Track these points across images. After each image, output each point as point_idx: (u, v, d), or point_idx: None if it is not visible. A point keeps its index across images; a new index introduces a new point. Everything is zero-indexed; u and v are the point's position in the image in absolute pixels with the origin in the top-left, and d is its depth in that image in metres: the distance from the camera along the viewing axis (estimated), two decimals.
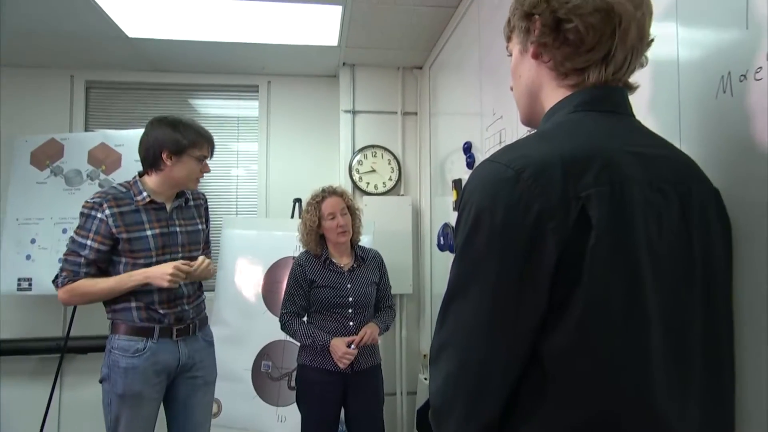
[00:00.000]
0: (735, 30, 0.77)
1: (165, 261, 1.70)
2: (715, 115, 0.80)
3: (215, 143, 1.83)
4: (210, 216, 1.96)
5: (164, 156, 1.67)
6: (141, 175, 1.74)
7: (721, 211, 0.70)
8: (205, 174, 1.80)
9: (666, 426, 0.59)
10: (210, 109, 3.28)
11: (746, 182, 0.73)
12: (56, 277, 1.66)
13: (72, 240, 1.65)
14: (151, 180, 1.72)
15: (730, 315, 0.69)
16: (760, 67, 0.72)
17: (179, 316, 1.72)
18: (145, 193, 1.69)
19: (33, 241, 2.64)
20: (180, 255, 1.74)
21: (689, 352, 0.63)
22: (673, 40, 0.90)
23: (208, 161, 1.80)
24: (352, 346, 1.89)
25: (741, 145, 0.75)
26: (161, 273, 1.61)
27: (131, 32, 2.57)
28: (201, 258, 1.72)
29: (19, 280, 2.62)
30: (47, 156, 2.73)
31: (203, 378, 1.81)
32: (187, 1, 2.25)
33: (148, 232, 1.68)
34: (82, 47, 2.75)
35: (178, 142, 1.67)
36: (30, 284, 2.61)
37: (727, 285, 0.70)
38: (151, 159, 1.69)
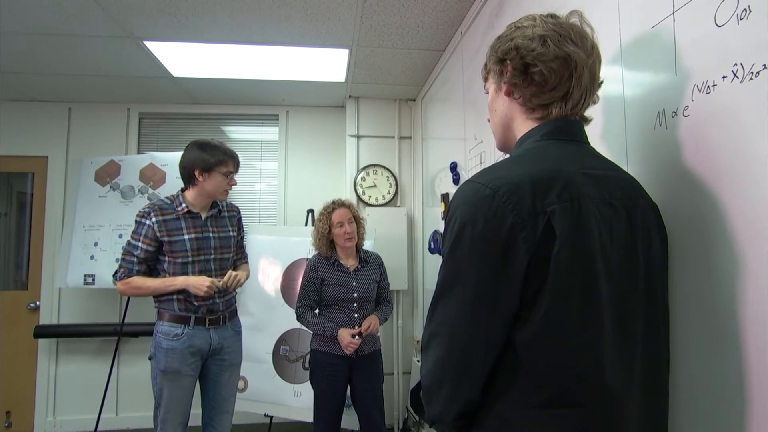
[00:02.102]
0: (667, 75, 0.78)
1: (200, 261, 1.71)
2: (653, 143, 0.81)
3: (242, 162, 1.84)
4: (243, 225, 1.96)
5: (196, 173, 1.70)
6: (183, 190, 1.77)
7: (660, 221, 0.70)
8: (232, 186, 1.79)
9: (615, 397, 0.59)
10: (238, 134, 3.28)
11: (678, 199, 0.74)
12: (116, 272, 1.70)
13: (128, 242, 1.69)
14: (190, 194, 1.74)
15: (666, 306, 0.70)
16: (687, 106, 0.73)
17: (211, 308, 1.72)
18: (184, 205, 1.71)
19: (96, 243, 2.66)
20: (212, 256, 1.74)
21: (634, 336, 0.63)
22: (619, 82, 0.91)
23: (234, 176, 1.80)
24: (356, 337, 1.88)
25: (674, 169, 0.75)
26: (200, 284, 1.64)
27: (176, 72, 2.59)
28: (229, 273, 1.71)
29: (84, 275, 2.63)
30: (107, 174, 2.76)
31: (230, 361, 1.80)
32: (220, 46, 2.27)
33: (186, 236, 1.69)
34: (137, 85, 2.79)
35: (207, 161, 1.69)
36: (93, 279, 2.63)
37: (665, 282, 0.70)
38: (187, 176, 1.72)
